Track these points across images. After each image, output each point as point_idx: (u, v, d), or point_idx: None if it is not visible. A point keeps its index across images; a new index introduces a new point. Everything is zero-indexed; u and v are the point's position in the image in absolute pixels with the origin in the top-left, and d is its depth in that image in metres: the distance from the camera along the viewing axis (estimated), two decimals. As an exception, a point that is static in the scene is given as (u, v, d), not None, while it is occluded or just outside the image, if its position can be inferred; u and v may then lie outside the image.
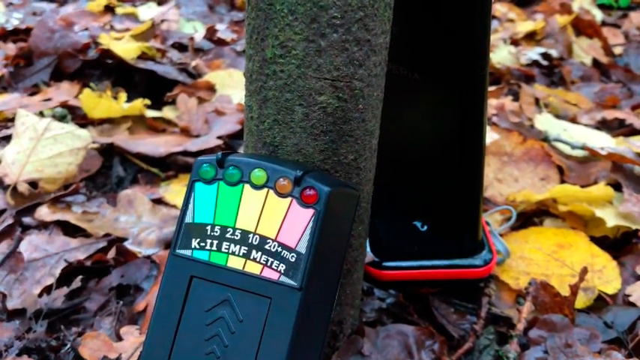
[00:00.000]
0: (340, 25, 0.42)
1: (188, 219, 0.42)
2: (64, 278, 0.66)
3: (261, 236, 0.41)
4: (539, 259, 0.71)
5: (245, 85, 0.48)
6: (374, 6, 0.43)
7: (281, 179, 0.41)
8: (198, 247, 0.42)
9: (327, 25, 0.42)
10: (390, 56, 0.48)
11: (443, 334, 0.60)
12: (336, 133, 0.45)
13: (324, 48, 0.43)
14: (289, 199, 0.41)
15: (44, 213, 0.74)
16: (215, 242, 0.41)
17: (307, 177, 0.41)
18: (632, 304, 0.65)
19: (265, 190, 0.41)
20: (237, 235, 0.41)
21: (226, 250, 0.41)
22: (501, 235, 0.73)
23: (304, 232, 0.40)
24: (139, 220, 0.74)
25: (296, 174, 0.40)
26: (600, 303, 0.66)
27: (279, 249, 0.40)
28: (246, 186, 0.41)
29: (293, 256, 0.40)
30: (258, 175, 0.41)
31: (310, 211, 0.40)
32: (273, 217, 0.41)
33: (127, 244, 0.70)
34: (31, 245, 0.69)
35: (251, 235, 0.41)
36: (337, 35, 0.42)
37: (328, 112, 0.45)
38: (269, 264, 0.40)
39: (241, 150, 0.88)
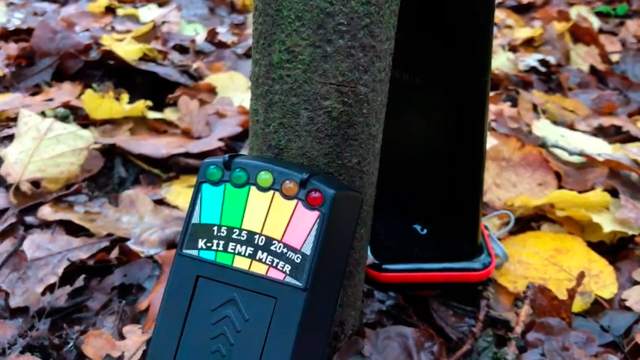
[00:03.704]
0: (346, 31, 0.43)
1: (195, 219, 0.43)
2: (67, 277, 0.66)
3: (267, 237, 0.41)
4: (537, 263, 0.71)
5: (251, 88, 0.48)
6: (379, 13, 0.44)
7: (287, 182, 0.42)
8: (204, 247, 0.42)
9: (333, 31, 0.43)
10: (393, 61, 0.48)
11: (441, 336, 0.61)
12: (341, 137, 0.46)
13: (330, 54, 0.44)
14: (295, 201, 0.41)
15: (47, 212, 0.75)
16: (221, 243, 0.42)
17: (313, 180, 0.41)
18: (629, 309, 0.66)
19: (271, 192, 0.42)
20: (243, 236, 0.42)
21: (232, 251, 0.42)
22: (500, 240, 0.73)
23: (309, 233, 0.41)
24: (141, 220, 0.75)
25: (302, 177, 0.41)
26: (597, 307, 0.66)
27: (285, 250, 0.41)
28: (253, 188, 0.42)
29: (298, 257, 0.40)
30: (265, 177, 0.42)
31: (315, 214, 0.41)
32: (279, 219, 0.41)
33: (130, 244, 0.70)
34: (33, 244, 0.69)
35: (257, 236, 0.42)
36: (343, 41, 0.43)
37: (333, 116, 0.45)
38: (274, 264, 0.41)
39: (243, 152, 0.89)
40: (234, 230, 0.42)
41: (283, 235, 0.41)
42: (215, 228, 0.42)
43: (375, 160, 0.50)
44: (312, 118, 0.46)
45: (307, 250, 0.40)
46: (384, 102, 0.48)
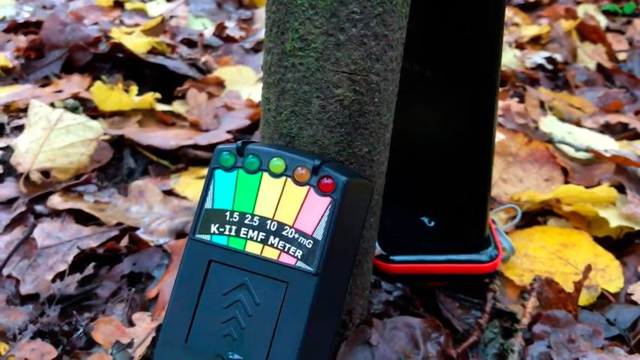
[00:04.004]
0: (359, 19, 0.43)
1: (208, 205, 0.43)
2: (77, 265, 0.67)
3: (278, 223, 0.42)
4: (544, 257, 0.72)
5: (263, 76, 0.49)
6: (392, 2, 0.44)
7: (299, 168, 0.42)
8: (217, 232, 0.43)
9: (346, 19, 0.43)
10: (404, 52, 0.49)
11: (448, 327, 0.61)
12: (352, 126, 0.47)
13: (343, 42, 0.44)
14: (307, 187, 0.42)
15: (57, 202, 0.75)
16: (234, 228, 0.42)
17: (325, 166, 0.42)
18: (635, 303, 0.66)
19: (283, 178, 0.42)
20: (255, 222, 0.42)
21: (244, 236, 0.42)
22: (506, 233, 0.74)
23: (321, 219, 0.41)
24: (150, 210, 0.75)
25: (314, 163, 0.42)
26: (603, 301, 0.67)
27: (297, 235, 0.41)
28: (265, 174, 0.43)
29: (310, 242, 0.41)
30: (277, 163, 0.42)
31: (327, 200, 0.41)
32: (291, 205, 0.42)
33: (139, 233, 0.71)
34: (44, 232, 0.70)
35: (269, 222, 0.42)
36: (356, 30, 0.44)
37: (345, 104, 0.46)
38: (286, 250, 0.41)
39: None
40: (247, 216, 0.42)
41: (295, 220, 0.42)
42: (227, 213, 0.43)
43: (386, 150, 0.51)
44: (323, 106, 0.46)
45: (319, 235, 0.41)
46: (395, 91, 0.49)
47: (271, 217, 0.42)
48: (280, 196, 0.42)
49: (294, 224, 0.42)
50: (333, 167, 0.42)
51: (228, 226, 0.43)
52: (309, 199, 0.42)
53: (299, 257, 0.41)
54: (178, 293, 0.43)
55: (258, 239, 0.42)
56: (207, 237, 0.43)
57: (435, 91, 0.59)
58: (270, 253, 0.41)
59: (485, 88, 0.57)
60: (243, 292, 0.41)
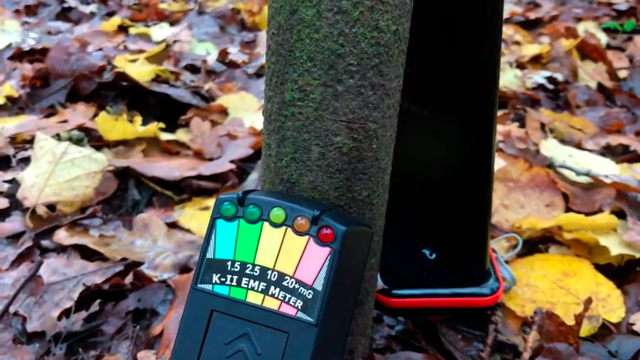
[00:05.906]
0: (356, 71, 0.44)
1: (209, 254, 0.44)
2: (82, 301, 0.67)
3: (279, 273, 0.43)
4: (545, 286, 0.72)
5: (264, 123, 0.50)
6: (389, 53, 0.45)
7: (299, 218, 0.43)
8: (218, 282, 0.44)
9: (344, 71, 0.44)
10: (402, 94, 0.50)
11: (450, 361, 0.62)
12: (351, 172, 0.48)
13: (341, 92, 0.45)
14: (307, 237, 0.43)
15: (62, 236, 0.76)
16: (235, 278, 0.43)
17: (324, 216, 0.42)
18: (636, 333, 0.66)
19: (284, 228, 0.43)
20: (256, 272, 0.43)
21: (246, 286, 0.43)
22: (507, 262, 0.74)
23: (321, 269, 0.42)
24: (155, 244, 0.76)
25: (313, 213, 0.42)
26: (604, 331, 0.67)
27: (297, 286, 0.42)
28: (266, 224, 0.43)
29: (310, 293, 0.42)
30: (277, 213, 0.43)
31: (327, 250, 0.42)
32: (291, 255, 0.43)
33: (143, 269, 0.72)
34: (50, 268, 0.71)
35: (270, 272, 0.43)
36: (353, 81, 0.45)
37: (343, 151, 0.47)
38: (287, 300, 0.42)
39: (254, 174, 0.90)
40: (248, 265, 0.43)
41: (295, 270, 0.42)
42: (229, 263, 0.44)
43: (385, 192, 0.51)
44: (323, 153, 0.47)
45: (319, 286, 0.42)
46: (393, 136, 0.50)
47: (272, 267, 0.43)
48: (281, 246, 0.43)
49: (294, 274, 0.42)
50: (332, 217, 0.43)
51: (229, 276, 0.43)
52: (309, 249, 0.42)
53: (299, 308, 0.42)
54: (181, 342, 0.43)
55: (259, 289, 0.43)
56: (209, 287, 0.44)
57: (433, 129, 0.59)
58: (271, 304, 0.42)
59: (483, 124, 0.57)
60: (244, 342, 0.42)
